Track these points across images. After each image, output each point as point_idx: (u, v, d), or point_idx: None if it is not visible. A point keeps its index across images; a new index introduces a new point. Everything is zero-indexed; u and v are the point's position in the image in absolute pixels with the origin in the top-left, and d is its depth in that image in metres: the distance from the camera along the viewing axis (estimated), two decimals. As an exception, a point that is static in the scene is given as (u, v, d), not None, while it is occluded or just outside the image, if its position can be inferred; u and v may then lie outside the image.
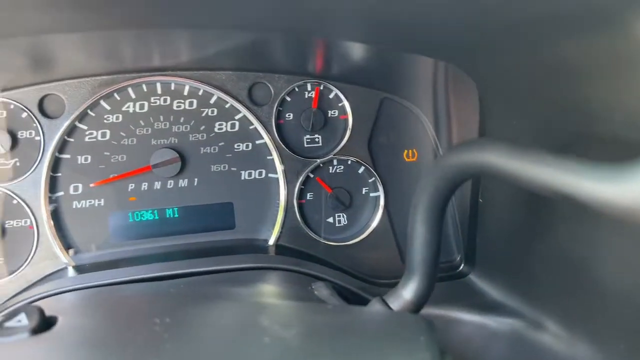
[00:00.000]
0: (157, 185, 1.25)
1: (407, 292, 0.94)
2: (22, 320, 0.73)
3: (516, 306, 1.09)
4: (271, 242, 1.28)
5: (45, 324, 0.71)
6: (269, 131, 1.26)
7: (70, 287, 1.00)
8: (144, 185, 1.25)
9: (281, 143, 1.27)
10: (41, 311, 0.74)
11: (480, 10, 0.76)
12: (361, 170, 1.32)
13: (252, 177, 1.29)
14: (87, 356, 0.60)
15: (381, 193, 1.31)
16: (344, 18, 0.92)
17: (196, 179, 1.27)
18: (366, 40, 1.04)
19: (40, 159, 1.19)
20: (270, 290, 0.94)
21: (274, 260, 1.09)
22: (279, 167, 1.27)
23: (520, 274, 1.08)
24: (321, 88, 1.28)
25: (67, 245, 1.22)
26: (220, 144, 1.27)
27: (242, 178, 1.29)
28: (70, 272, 1.16)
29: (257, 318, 0.70)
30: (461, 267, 1.27)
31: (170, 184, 1.26)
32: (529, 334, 1.04)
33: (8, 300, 1.12)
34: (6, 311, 0.92)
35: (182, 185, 1.26)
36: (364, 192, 1.33)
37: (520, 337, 1.05)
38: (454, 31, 0.89)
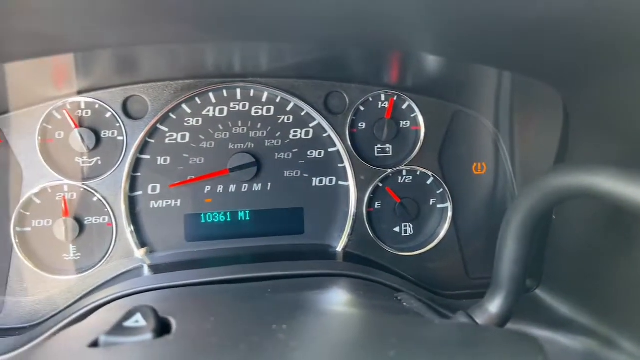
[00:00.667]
0: (232, 188, 1.27)
1: (494, 306, 0.95)
2: (140, 320, 0.75)
3: (589, 324, 1.09)
4: (339, 248, 1.30)
5: (162, 325, 0.73)
6: (342, 140, 1.28)
7: (156, 286, 1.02)
8: (220, 188, 1.27)
9: (354, 151, 1.29)
10: (155, 312, 0.76)
11: (577, 31, 0.78)
12: (430, 181, 1.33)
13: (323, 184, 1.31)
14: None
15: (449, 204, 1.32)
16: (431, 32, 0.94)
17: (269, 184, 1.29)
18: (447, 54, 1.06)
19: (122, 159, 1.21)
20: (358, 300, 0.96)
21: (353, 268, 1.11)
22: (351, 175, 1.29)
23: (593, 291, 1.09)
24: (395, 99, 1.30)
25: (142, 244, 1.24)
26: (294, 151, 1.29)
27: (313, 184, 1.31)
28: (146, 270, 1.19)
29: (372, 330, 0.71)
30: (526, 282, 1.28)
31: (245, 187, 1.28)
32: (603, 353, 1.05)
33: (88, 295, 1.15)
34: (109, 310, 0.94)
35: (256, 190, 1.28)
36: (431, 203, 1.34)
37: (594, 355, 1.06)
38: (552, 51, 0.90)
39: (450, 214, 1.32)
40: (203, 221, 1.28)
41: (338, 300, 0.95)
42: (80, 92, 1.19)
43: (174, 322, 0.74)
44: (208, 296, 0.96)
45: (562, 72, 0.98)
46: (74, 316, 1.02)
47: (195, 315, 0.80)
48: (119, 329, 0.71)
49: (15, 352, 1.07)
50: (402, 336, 0.69)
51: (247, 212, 1.29)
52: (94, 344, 0.69)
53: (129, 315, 0.75)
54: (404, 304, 0.96)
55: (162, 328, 0.72)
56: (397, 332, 0.71)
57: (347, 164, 1.29)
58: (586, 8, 0.70)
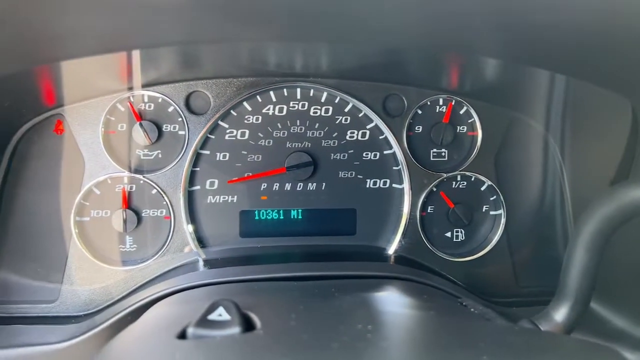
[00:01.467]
0: (288, 186, 1.28)
1: (560, 315, 0.95)
2: (223, 314, 0.76)
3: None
4: (390, 251, 1.30)
5: (244, 320, 0.74)
6: (399, 142, 1.28)
7: (216, 280, 1.03)
8: (276, 186, 1.28)
9: (410, 154, 1.29)
10: (237, 306, 0.77)
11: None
12: (484, 187, 1.33)
13: (377, 186, 1.31)
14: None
15: (503, 212, 1.32)
16: (498, 36, 0.94)
17: (324, 184, 1.29)
18: (509, 57, 1.05)
19: (183, 153, 1.23)
20: (429, 304, 0.96)
21: (409, 272, 1.11)
22: (406, 178, 1.29)
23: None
24: (454, 103, 1.30)
25: (198, 239, 1.25)
26: (349, 151, 1.29)
27: (367, 186, 1.31)
28: (201, 265, 1.20)
29: (459, 334, 0.71)
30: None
31: (300, 186, 1.28)
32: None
33: (143, 287, 1.16)
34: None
35: (310, 189, 1.29)
36: (484, 210, 1.34)
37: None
38: (622, 58, 0.90)
39: (503, 220, 1.32)
40: (257, 218, 1.29)
41: (408, 302, 0.95)
42: (144, 86, 1.21)
43: (256, 317, 0.75)
44: (276, 293, 0.96)
45: (632, 78, 0.98)
46: (135, 306, 1.04)
47: (275, 312, 0.80)
48: (205, 321, 0.72)
49: (75, 339, 1.08)
50: (489, 341, 0.69)
51: (300, 210, 1.30)
52: (182, 336, 0.70)
53: (212, 308, 0.76)
54: (471, 309, 0.96)
55: (246, 323, 0.73)
56: (482, 337, 0.71)
57: (402, 167, 1.29)
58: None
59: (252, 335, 0.69)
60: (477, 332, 0.74)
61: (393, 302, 0.94)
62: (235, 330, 0.70)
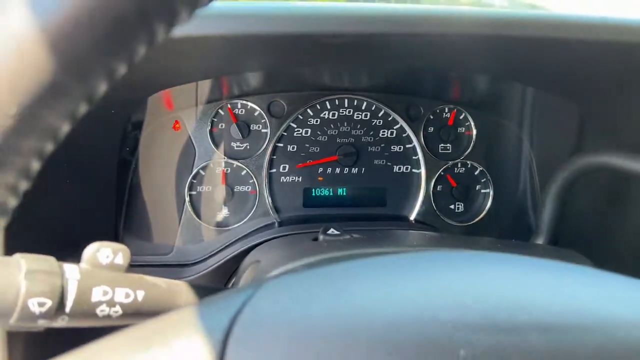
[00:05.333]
0: (337, 170, 1.77)
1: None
2: (334, 232, 1.23)
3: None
4: (412, 217, 1.80)
5: (349, 232, 1.21)
6: (417, 139, 1.78)
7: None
8: (329, 170, 1.76)
9: (425, 148, 1.79)
10: (336, 228, 1.24)
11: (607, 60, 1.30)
12: (477, 172, 1.84)
13: (401, 170, 1.81)
14: None
15: (491, 189, 1.83)
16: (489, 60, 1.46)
17: (363, 169, 1.78)
18: (495, 76, 1.57)
19: (265, 146, 1.71)
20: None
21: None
22: (422, 165, 1.79)
23: (597, 243, 1.57)
24: (456, 111, 1.81)
25: (274, 207, 1.73)
26: (381, 145, 1.79)
27: (394, 171, 1.80)
28: (276, 225, 1.68)
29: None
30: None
31: (346, 170, 1.77)
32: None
33: (239, 240, 1.63)
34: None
35: (353, 172, 1.78)
36: (477, 188, 1.85)
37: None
38: (581, 74, 1.42)
39: (491, 195, 1.83)
40: (314, 194, 1.77)
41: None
42: (238, 97, 1.69)
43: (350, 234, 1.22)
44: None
45: (584, 90, 1.49)
46: (234, 253, 1.51)
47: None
48: (325, 234, 1.19)
49: (196, 275, 1.55)
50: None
51: (345, 188, 1.78)
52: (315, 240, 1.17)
53: (323, 230, 1.23)
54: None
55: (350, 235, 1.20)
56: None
57: (420, 157, 1.79)
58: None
59: (361, 237, 1.16)
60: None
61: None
62: (347, 236, 1.18)
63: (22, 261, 0.66)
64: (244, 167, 1.70)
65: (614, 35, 1.25)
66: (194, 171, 1.67)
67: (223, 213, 1.71)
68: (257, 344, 0.47)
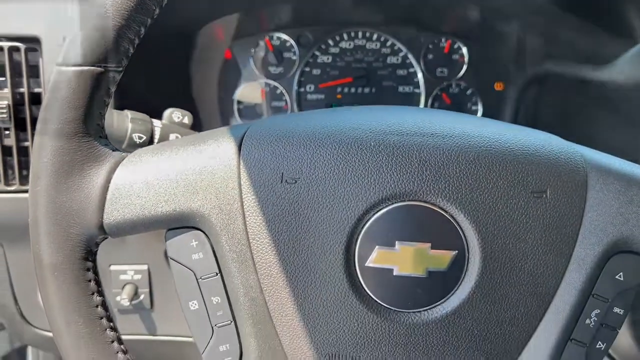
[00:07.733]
0: (353, 90, 2.21)
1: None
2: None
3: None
4: (413, 128, 2.23)
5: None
6: (418, 63, 2.20)
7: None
8: (346, 89, 2.21)
9: (425, 71, 2.21)
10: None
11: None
12: (469, 92, 2.24)
13: (405, 90, 2.24)
14: None
15: (480, 106, 2.24)
16: None
17: (374, 89, 2.22)
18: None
19: (296, 69, 2.16)
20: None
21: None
22: (422, 85, 2.21)
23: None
24: (450, 41, 2.21)
25: (302, 119, 2.20)
26: (389, 70, 2.20)
27: (399, 90, 2.23)
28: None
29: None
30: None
31: (360, 90, 2.21)
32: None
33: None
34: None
35: (366, 92, 2.21)
36: (468, 105, 2.25)
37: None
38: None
39: (480, 113, 2.24)
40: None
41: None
42: (273, 30, 2.14)
43: None
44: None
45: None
46: None
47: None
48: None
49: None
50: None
51: (359, 105, 2.23)
52: None
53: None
54: None
55: None
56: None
57: (420, 79, 2.21)
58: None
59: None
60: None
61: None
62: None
63: (129, 113, 1.17)
64: (279, 86, 2.17)
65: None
66: (239, 89, 2.16)
67: (264, 116, 2.19)
68: (264, 142, 0.78)
